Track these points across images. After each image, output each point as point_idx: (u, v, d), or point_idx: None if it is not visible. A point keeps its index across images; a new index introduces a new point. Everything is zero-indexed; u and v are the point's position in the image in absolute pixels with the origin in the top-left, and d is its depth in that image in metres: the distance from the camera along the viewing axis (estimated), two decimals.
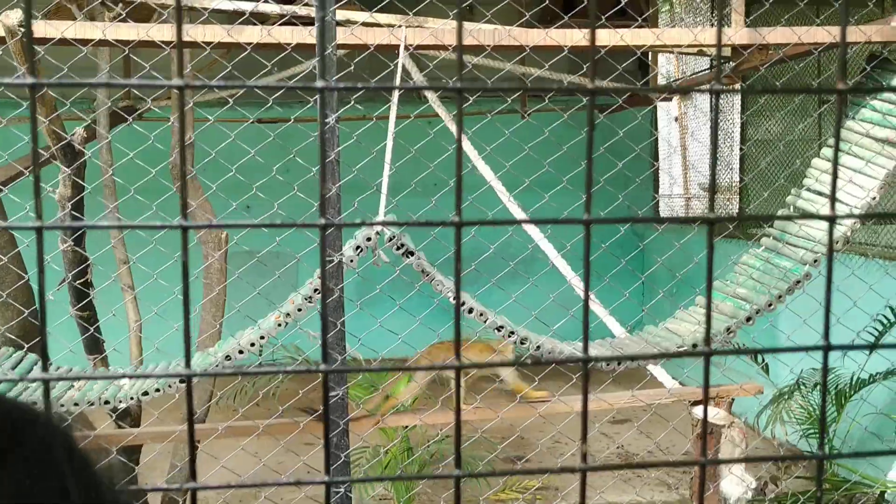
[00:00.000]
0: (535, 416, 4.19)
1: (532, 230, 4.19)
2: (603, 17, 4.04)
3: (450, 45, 3.47)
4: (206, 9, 3.80)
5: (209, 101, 6.18)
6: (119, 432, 4.36)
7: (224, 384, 6.05)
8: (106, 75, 4.89)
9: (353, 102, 4.18)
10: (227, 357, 3.46)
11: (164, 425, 4.28)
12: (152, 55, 3.62)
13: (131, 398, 3.60)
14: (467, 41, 3.60)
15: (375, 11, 3.90)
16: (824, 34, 3.49)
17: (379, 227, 3.52)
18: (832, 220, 0.71)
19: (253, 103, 4.42)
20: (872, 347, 0.77)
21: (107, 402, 3.57)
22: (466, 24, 4.37)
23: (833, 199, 0.72)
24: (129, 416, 5.01)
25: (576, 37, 3.60)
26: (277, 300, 3.71)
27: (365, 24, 3.85)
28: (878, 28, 3.58)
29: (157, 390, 3.48)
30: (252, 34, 3.31)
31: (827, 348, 0.73)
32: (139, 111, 7.68)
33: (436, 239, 3.04)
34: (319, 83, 0.64)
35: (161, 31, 3.26)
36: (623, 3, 5.53)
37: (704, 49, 4.27)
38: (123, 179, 4.47)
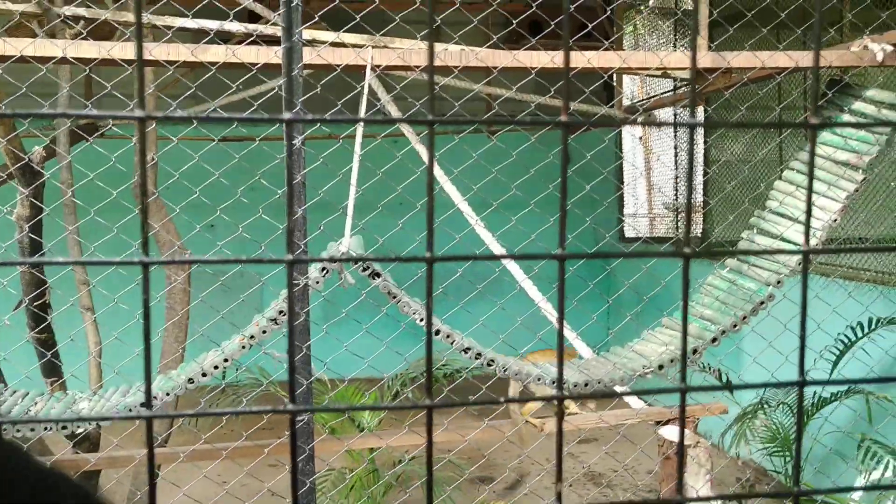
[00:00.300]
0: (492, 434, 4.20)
1: (499, 251, 4.20)
2: (570, 41, 4.06)
3: (417, 67, 3.47)
4: (169, 27, 3.76)
5: (174, 119, 6.10)
6: (77, 457, 4.25)
7: (186, 405, 5.96)
8: (66, 95, 4.82)
9: (318, 125, 4.17)
10: (190, 380, 3.40)
11: (124, 450, 4.20)
12: (114, 73, 3.56)
13: (90, 424, 3.52)
14: (434, 62, 3.59)
15: (343, 32, 3.89)
16: (786, 59, 3.54)
17: (345, 248, 3.49)
18: (806, 253, 0.70)
19: (217, 121, 4.38)
20: (846, 383, 0.76)
21: (64, 427, 3.48)
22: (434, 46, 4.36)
23: (807, 230, 0.71)
24: (88, 441, 4.91)
25: (543, 59, 3.62)
26: (242, 321, 3.66)
27: (332, 45, 3.83)
28: (839, 53, 3.65)
29: (116, 412, 3.40)
30: (217, 54, 3.28)
31: (802, 384, 0.72)
32: (100, 131, 7.59)
33: (411, 268, 3.01)
34: (286, 115, 0.62)
35: (123, 50, 3.21)
36: (590, 27, 5.56)
37: (669, 72, 4.32)
38: (84, 199, 4.39)
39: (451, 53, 3.49)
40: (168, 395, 3.43)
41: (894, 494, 4.31)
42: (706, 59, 3.63)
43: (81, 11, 4.27)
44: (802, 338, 0.70)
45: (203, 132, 4.93)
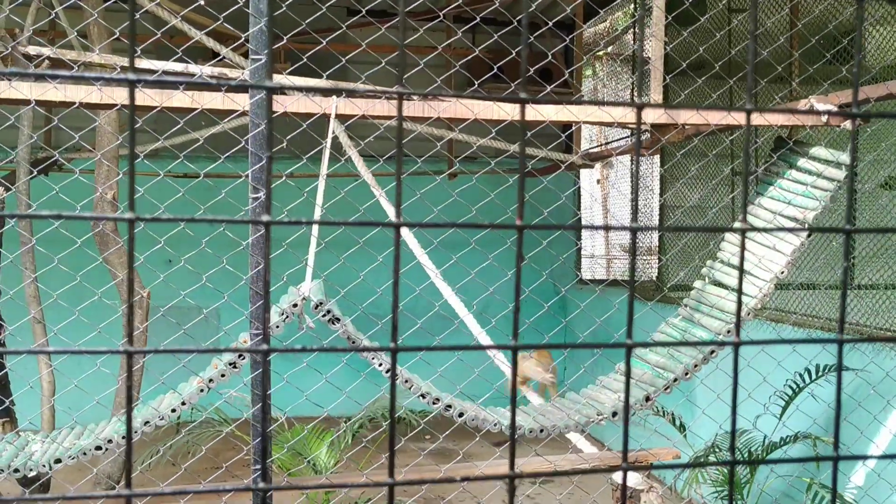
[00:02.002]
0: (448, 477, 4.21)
1: (457, 305, 4.23)
2: (533, 75, 4.18)
3: (382, 118, 3.54)
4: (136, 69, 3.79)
5: (159, 152, 6.08)
6: (28, 499, 4.18)
7: (140, 446, 5.88)
8: (27, 132, 4.80)
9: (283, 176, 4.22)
10: (146, 423, 3.39)
11: (78, 492, 4.14)
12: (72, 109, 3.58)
13: (43, 465, 3.47)
14: (390, 109, 3.68)
15: (304, 75, 3.96)
16: (733, 119, 3.69)
17: (305, 294, 3.52)
18: (737, 345, 0.77)
19: (201, 157, 4.41)
20: (772, 461, 0.83)
21: (16, 471, 3.44)
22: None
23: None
24: (39, 482, 4.84)
25: (502, 111, 3.72)
26: (197, 364, 3.66)
27: (292, 88, 3.90)
28: (786, 115, 3.80)
29: (72, 458, 3.37)
30: (182, 100, 3.32)
31: (732, 463, 0.78)
32: (58, 164, 7.56)
33: (360, 309, 3.05)
34: (265, 217, 0.67)
35: (89, 94, 3.24)
36: (527, 69, 5.71)
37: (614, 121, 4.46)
38: (43, 231, 4.38)
39: (415, 105, 3.57)
40: (123, 438, 3.41)
41: None
42: (659, 114, 3.76)
43: (45, 51, 4.29)
44: (733, 418, 0.77)
45: (165, 166, 4.94)
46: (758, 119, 3.68)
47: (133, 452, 4.55)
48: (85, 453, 3.41)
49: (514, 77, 7.81)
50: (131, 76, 0.86)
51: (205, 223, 3.48)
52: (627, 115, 3.92)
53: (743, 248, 0.74)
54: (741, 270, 0.77)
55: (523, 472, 0.70)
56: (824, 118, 3.65)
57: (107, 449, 3.46)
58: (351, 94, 3.75)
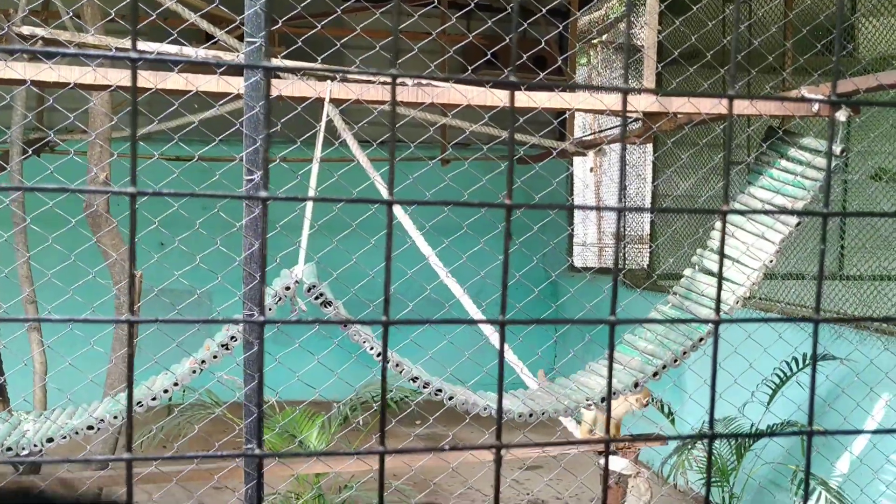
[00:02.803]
0: (439, 461, 4.28)
1: (453, 286, 4.26)
2: (498, 68, 4.21)
3: (375, 102, 3.56)
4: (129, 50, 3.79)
5: (152, 135, 6.07)
6: (23, 480, 4.21)
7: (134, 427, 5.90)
8: (21, 112, 4.80)
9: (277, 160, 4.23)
10: (139, 404, 3.41)
11: (71, 472, 4.17)
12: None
13: (35, 445, 3.49)
14: (385, 94, 3.70)
15: (299, 59, 3.96)
16: (721, 107, 3.71)
17: (298, 277, 3.54)
18: (717, 322, 0.80)
19: (195, 140, 4.42)
20: (755, 436, 0.86)
21: (9, 450, 3.46)
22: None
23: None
24: (30, 463, 4.86)
25: (495, 97, 3.73)
26: (190, 344, 3.68)
27: (287, 70, 3.90)
28: (778, 103, 3.83)
29: (64, 437, 3.39)
30: (177, 82, 3.33)
31: (711, 437, 0.81)
32: (50, 144, 7.54)
33: (353, 293, 3.07)
34: (262, 193, 0.70)
35: (84, 75, 3.25)
36: (524, 58, 5.72)
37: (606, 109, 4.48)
38: (34, 212, 4.40)
39: (408, 90, 3.59)
40: (115, 417, 3.43)
41: None
42: (651, 102, 3.79)
43: (39, 31, 4.28)
44: (712, 397, 0.80)
45: (160, 149, 4.95)
46: (744, 107, 3.71)
47: (121, 437, 4.55)
48: (77, 433, 3.43)
49: (508, 63, 7.80)
50: (133, 55, 0.88)
51: (200, 204, 3.50)
52: (618, 102, 3.94)
53: (723, 231, 0.77)
54: (721, 254, 0.80)
55: (510, 444, 0.72)
56: (815, 107, 3.68)
57: (98, 428, 3.48)
58: (345, 77, 3.76)
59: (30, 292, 5.00)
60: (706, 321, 0.78)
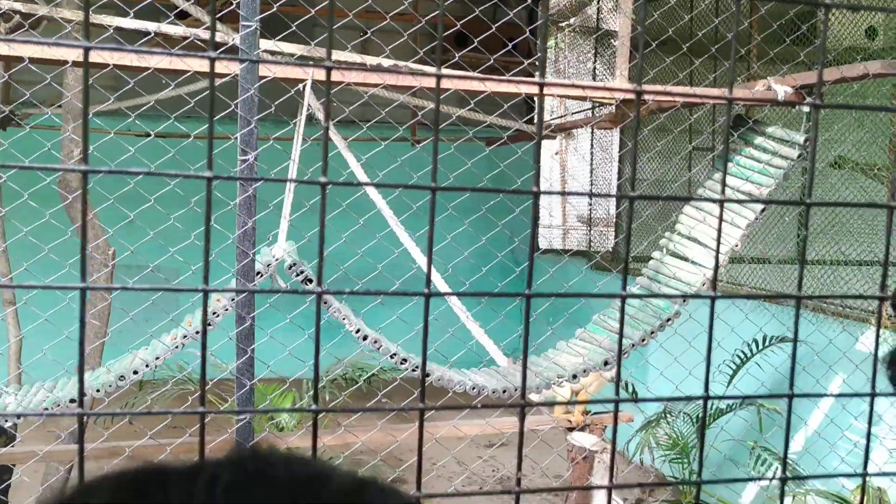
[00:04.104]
0: (406, 437, 4.38)
1: (420, 258, 4.36)
2: (490, 55, 4.29)
3: (353, 84, 3.62)
4: (109, 26, 3.81)
5: (107, 111, 6.04)
6: None
7: (100, 403, 5.92)
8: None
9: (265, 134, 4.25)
10: (122, 377, 3.46)
11: (43, 444, 4.20)
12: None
13: (17, 417, 3.53)
14: (365, 77, 3.76)
15: (279, 40, 4.00)
16: (679, 96, 3.84)
17: (279, 253, 3.61)
18: (713, 298, 0.90)
19: (152, 116, 4.42)
20: (743, 398, 0.96)
21: None
22: (366, 59, 4.53)
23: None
24: (5, 436, 4.87)
25: (468, 82, 3.81)
26: (161, 317, 3.72)
27: (267, 52, 3.94)
28: (745, 92, 3.96)
29: (46, 409, 3.43)
30: (160, 60, 3.36)
31: (706, 398, 0.91)
32: (14, 119, 7.45)
33: (333, 262, 3.13)
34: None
35: (68, 52, 3.26)
36: (510, 46, 5.82)
37: (586, 96, 4.59)
38: (11, 183, 4.39)
39: (380, 73, 3.65)
40: (98, 391, 3.48)
41: (786, 498, 4.66)
42: (614, 91, 3.90)
43: (17, 6, 4.25)
44: (708, 357, 0.90)
45: (137, 126, 4.94)
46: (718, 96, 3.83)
47: (92, 412, 4.57)
48: (58, 404, 3.47)
49: (480, 44, 7.85)
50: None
51: (168, 182, 3.54)
52: (592, 90, 4.05)
53: (691, 216, 0.86)
54: (694, 240, 0.90)
55: (436, 406, 0.81)
56: (780, 96, 3.82)
57: (81, 402, 3.52)
58: (319, 63, 3.80)
59: (4, 266, 4.99)
60: (702, 296, 0.87)
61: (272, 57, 3.29)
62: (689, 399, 0.88)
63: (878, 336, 0.94)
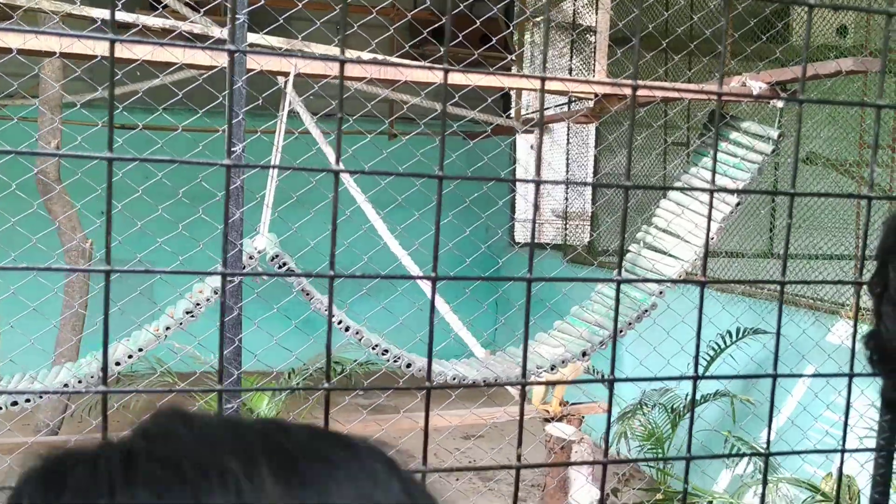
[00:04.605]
0: (383, 432, 4.42)
1: (397, 249, 4.39)
2: (473, 49, 4.34)
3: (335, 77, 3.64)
4: (93, 18, 3.80)
5: (94, 101, 5.98)
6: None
7: (79, 396, 5.89)
8: None
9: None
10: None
11: (20, 436, 4.19)
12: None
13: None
14: (348, 70, 3.79)
15: (266, 33, 4.01)
16: (677, 92, 3.91)
17: (260, 246, 3.63)
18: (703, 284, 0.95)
19: (137, 109, 4.42)
20: (734, 378, 1.01)
21: None
22: (349, 53, 4.55)
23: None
24: None
25: (449, 76, 3.85)
26: (136, 314, 3.73)
27: (251, 45, 3.95)
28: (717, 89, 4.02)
29: (14, 404, 3.42)
30: (143, 51, 3.36)
31: (696, 377, 0.96)
32: None
33: (317, 253, 3.16)
34: (226, 161, 0.79)
35: (48, 43, 3.26)
36: (493, 41, 5.86)
37: (568, 91, 4.65)
38: None
39: (364, 67, 3.68)
40: (80, 381, 3.48)
41: (755, 486, 4.75)
42: (604, 85, 3.96)
43: None
44: (698, 340, 0.95)
45: (120, 118, 4.91)
46: (692, 93, 3.90)
47: (70, 405, 4.55)
48: (28, 400, 3.46)
49: (454, 38, 7.90)
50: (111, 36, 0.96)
51: (144, 173, 3.55)
52: (574, 86, 4.10)
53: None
54: (671, 233, 0.95)
55: (443, 384, 0.86)
56: (755, 92, 3.90)
57: (62, 393, 3.53)
58: (290, 54, 3.83)
59: None
60: (692, 282, 0.92)
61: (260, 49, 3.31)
62: (681, 379, 0.93)
63: (855, 320, 0.99)
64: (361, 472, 0.46)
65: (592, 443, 4.84)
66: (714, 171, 0.95)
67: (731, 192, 3.03)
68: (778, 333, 1.06)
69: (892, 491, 1.13)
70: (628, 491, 6.26)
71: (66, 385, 3.48)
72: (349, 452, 0.48)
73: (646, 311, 4.00)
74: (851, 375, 0.99)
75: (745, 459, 5.19)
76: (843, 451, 1.01)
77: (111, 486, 0.43)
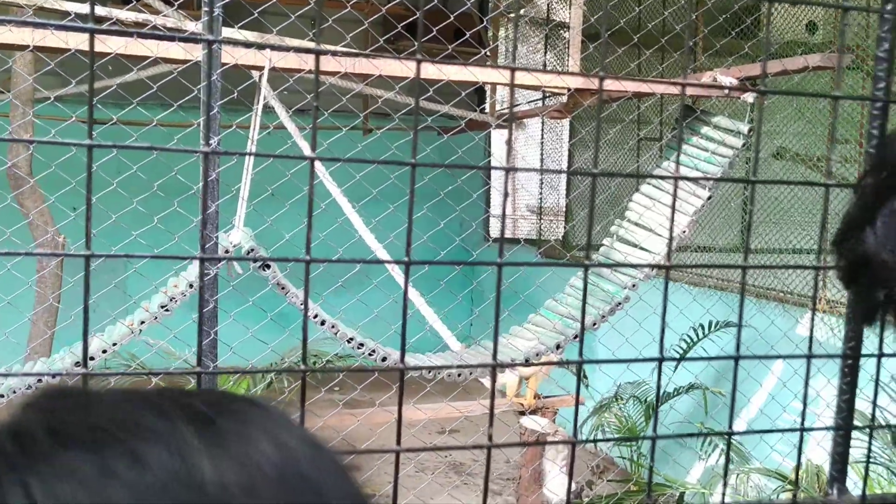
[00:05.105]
0: (359, 424, 4.44)
1: (371, 241, 4.41)
2: (447, 44, 4.36)
3: (310, 71, 3.64)
4: (67, 12, 3.78)
5: (67, 96, 5.93)
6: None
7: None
8: None
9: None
10: (77, 363, 3.45)
11: None
12: None
13: None
14: (322, 64, 3.80)
15: (240, 27, 4.02)
16: (645, 86, 3.96)
17: (235, 240, 3.63)
18: (668, 267, 0.98)
19: (110, 104, 4.40)
20: (698, 360, 1.05)
21: None
22: (323, 47, 4.55)
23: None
24: None
25: (423, 69, 3.87)
26: (109, 307, 3.72)
27: (230, 42, 3.94)
28: (692, 84, 4.08)
29: (2, 395, 3.41)
30: (117, 44, 3.35)
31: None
32: None
33: (293, 246, 3.16)
34: (203, 147, 0.82)
35: (21, 36, 3.24)
36: (467, 35, 5.87)
37: (542, 85, 4.69)
38: None
39: (340, 60, 3.69)
40: (54, 377, 3.47)
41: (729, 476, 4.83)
42: (577, 79, 4.00)
43: None
44: (663, 324, 0.98)
45: (102, 113, 4.88)
46: (664, 87, 3.95)
47: (96, 372, 4.56)
48: (14, 391, 3.45)
49: (428, 33, 7.89)
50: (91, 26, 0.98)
51: (119, 166, 3.54)
52: (547, 80, 4.14)
53: (594, 188, 0.94)
54: (643, 226, 0.98)
55: (417, 366, 0.89)
56: (726, 82, 3.96)
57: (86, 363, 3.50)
58: (261, 47, 3.82)
59: None
60: (659, 266, 0.95)
61: (232, 46, 3.31)
62: (645, 361, 0.96)
63: (814, 305, 1.03)
64: (277, 427, 0.47)
65: (567, 435, 4.88)
66: (678, 161, 0.98)
67: (691, 179, 3.09)
68: (740, 318, 1.09)
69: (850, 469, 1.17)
70: (602, 483, 6.33)
71: (39, 381, 3.46)
72: (260, 409, 0.49)
73: (619, 303, 4.05)
74: (810, 357, 1.03)
75: (717, 451, 5.27)
76: (801, 431, 1.05)
77: (45, 454, 0.42)
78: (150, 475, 0.42)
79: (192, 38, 2.73)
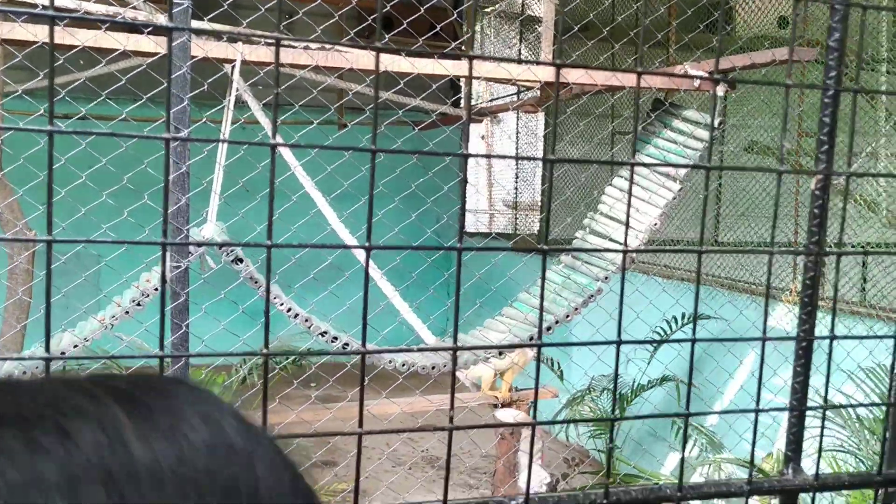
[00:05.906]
0: (332, 418, 4.44)
1: (344, 234, 4.41)
2: (419, 38, 4.37)
3: (282, 64, 3.64)
4: (35, 5, 3.75)
5: (35, 91, 5.86)
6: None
7: None
8: None
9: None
10: (50, 359, 3.43)
11: None
12: None
13: None
14: (294, 57, 3.79)
15: (210, 20, 3.99)
16: (616, 80, 3.99)
17: (207, 234, 3.62)
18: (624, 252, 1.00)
19: (81, 98, 4.35)
20: (656, 342, 1.07)
21: None
22: (294, 41, 4.54)
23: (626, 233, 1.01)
24: None
25: (395, 62, 3.88)
26: (81, 301, 3.69)
27: (195, 31, 3.92)
28: (663, 78, 4.13)
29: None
30: (85, 37, 3.33)
31: (619, 343, 1.01)
32: None
33: (264, 238, 3.16)
34: (166, 134, 0.81)
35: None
36: (438, 28, 5.88)
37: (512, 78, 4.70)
38: None
39: (311, 53, 3.69)
40: (25, 373, 3.45)
41: (701, 466, 4.89)
42: (548, 72, 4.02)
43: None
44: (620, 308, 1.00)
45: (69, 107, 4.83)
46: (633, 80, 3.97)
47: (59, 356, 4.46)
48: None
49: (400, 26, 7.88)
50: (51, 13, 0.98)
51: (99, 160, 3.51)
52: (519, 73, 4.16)
53: (550, 180, 0.96)
54: (615, 219, 1.00)
55: (378, 349, 0.90)
56: (696, 82, 4.00)
57: (48, 347, 3.47)
58: (234, 39, 3.81)
59: None
60: (619, 251, 0.97)
61: (203, 37, 3.30)
62: (605, 344, 0.98)
63: (767, 293, 1.05)
64: (205, 403, 0.49)
65: (541, 428, 4.92)
66: (634, 149, 1.00)
67: (647, 165, 3.12)
68: (696, 302, 1.11)
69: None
70: (577, 475, 6.37)
71: (10, 375, 3.44)
72: (189, 388, 0.50)
73: (591, 295, 4.08)
74: (764, 339, 1.05)
75: (691, 443, 5.33)
76: (756, 412, 1.07)
77: None
78: (79, 451, 0.43)
79: (154, 24, 2.71)
